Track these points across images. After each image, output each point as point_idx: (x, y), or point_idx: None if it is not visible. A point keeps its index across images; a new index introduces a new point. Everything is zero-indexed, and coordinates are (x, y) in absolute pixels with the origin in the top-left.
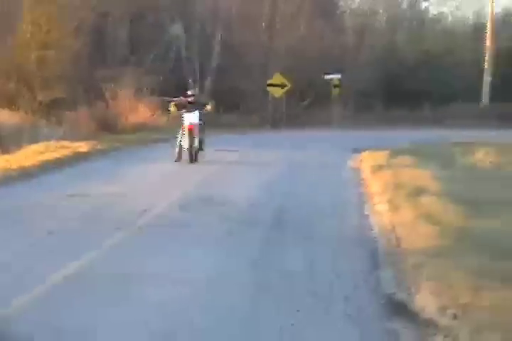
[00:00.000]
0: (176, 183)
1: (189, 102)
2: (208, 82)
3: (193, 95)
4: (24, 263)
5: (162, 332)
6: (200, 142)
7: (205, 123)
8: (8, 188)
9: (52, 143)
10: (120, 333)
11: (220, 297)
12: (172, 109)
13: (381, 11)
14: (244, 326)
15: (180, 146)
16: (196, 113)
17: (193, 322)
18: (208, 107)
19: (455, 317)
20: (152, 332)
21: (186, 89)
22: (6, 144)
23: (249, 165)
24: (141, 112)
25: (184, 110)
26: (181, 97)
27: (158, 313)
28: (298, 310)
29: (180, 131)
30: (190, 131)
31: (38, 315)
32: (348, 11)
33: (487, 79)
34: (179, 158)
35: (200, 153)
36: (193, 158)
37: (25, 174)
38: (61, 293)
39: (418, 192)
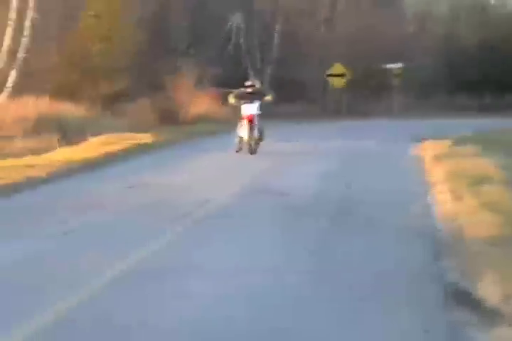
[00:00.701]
0: (237, 174)
1: (248, 93)
2: (267, 73)
3: (252, 86)
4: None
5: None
6: (260, 132)
7: (264, 113)
8: (71, 180)
9: (115, 135)
10: None
11: (281, 284)
12: (231, 100)
13: None
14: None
15: (240, 137)
16: (255, 103)
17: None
18: (268, 98)
19: None
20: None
21: (246, 80)
22: (70, 136)
23: (309, 156)
24: (203, 103)
25: (243, 101)
26: (240, 89)
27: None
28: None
29: (240, 122)
30: (250, 121)
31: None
32: None
33: None
34: (239, 149)
35: (261, 143)
36: (253, 149)
37: (89, 166)
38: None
39: (481, 180)
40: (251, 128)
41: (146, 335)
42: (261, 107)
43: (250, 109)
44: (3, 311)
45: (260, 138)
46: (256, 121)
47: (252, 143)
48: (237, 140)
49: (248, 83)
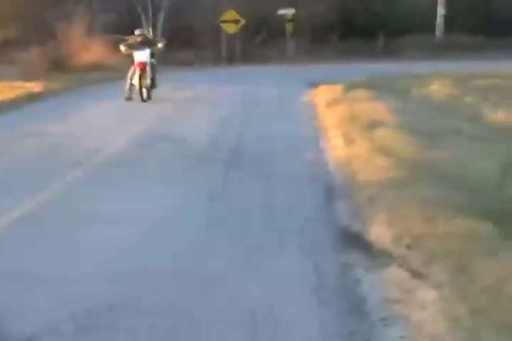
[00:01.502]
0: (130, 122)
1: (138, 42)
2: (160, 20)
3: (141, 35)
4: None
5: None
6: (152, 80)
7: (159, 60)
8: None
9: (4, 84)
10: None
11: (175, 231)
12: (121, 48)
13: None
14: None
15: (131, 85)
16: (146, 51)
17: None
18: (159, 45)
19: (409, 247)
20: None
21: (139, 27)
22: None
23: (204, 102)
24: (95, 51)
25: (134, 49)
26: (131, 37)
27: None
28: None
29: (131, 70)
30: (141, 69)
31: None
32: None
33: (441, 10)
34: (129, 97)
35: (153, 91)
36: (145, 97)
37: None
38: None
39: (373, 125)
40: (142, 76)
41: None
42: (152, 55)
43: (141, 56)
44: None
45: (152, 86)
46: (147, 69)
47: (144, 90)
48: (126, 88)
49: (137, 32)
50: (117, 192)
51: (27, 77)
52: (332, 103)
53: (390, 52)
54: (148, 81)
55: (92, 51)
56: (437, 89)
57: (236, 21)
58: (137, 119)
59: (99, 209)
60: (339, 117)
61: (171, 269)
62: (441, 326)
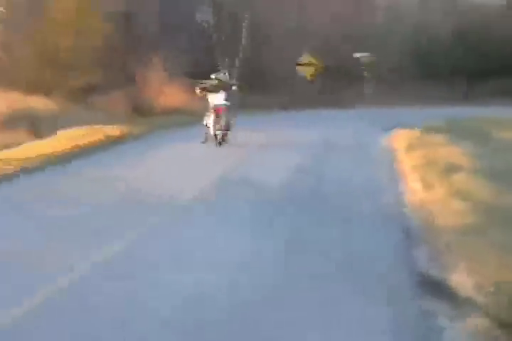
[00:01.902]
0: (207, 166)
1: (214, 85)
2: (237, 64)
3: (216, 79)
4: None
5: None
6: (227, 124)
7: (235, 104)
8: (41, 173)
9: (86, 128)
10: None
11: (252, 277)
12: (197, 91)
13: None
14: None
15: (207, 128)
16: (222, 94)
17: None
18: (234, 89)
19: (492, 294)
20: None
21: (216, 71)
22: (41, 130)
23: (280, 146)
24: (174, 95)
25: (209, 92)
26: (206, 81)
27: None
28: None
29: (207, 113)
30: (216, 112)
31: None
32: None
33: None
34: (206, 140)
35: (229, 134)
36: (220, 140)
37: (60, 158)
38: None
39: (451, 169)
40: (217, 120)
41: None
42: (228, 98)
43: (216, 99)
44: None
45: (227, 130)
46: (222, 112)
47: (219, 134)
48: (205, 131)
49: (213, 76)
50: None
51: (108, 121)
52: (410, 147)
53: (469, 97)
54: (222, 124)
55: (171, 95)
56: None
57: (312, 65)
58: (214, 163)
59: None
60: (417, 161)
61: None
62: None
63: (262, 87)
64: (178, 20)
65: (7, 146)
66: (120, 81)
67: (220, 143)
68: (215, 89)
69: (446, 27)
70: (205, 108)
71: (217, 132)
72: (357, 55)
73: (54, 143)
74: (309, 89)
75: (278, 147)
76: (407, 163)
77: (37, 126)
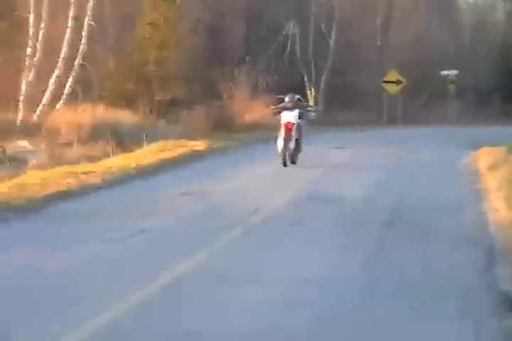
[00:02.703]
0: (282, 183)
1: (289, 107)
2: (322, 80)
3: (291, 101)
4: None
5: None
6: (298, 143)
7: (321, 120)
8: (126, 186)
9: (170, 142)
10: None
11: (335, 290)
12: (272, 107)
13: (500, 5)
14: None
15: (277, 147)
16: (295, 112)
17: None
18: (312, 114)
19: None
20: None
21: (301, 88)
22: (126, 143)
23: (362, 164)
24: (257, 111)
25: (283, 110)
26: (281, 104)
27: None
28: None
29: (279, 131)
30: (287, 130)
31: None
32: (465, 6)
33: None
34: (283, 159)
35: (299, 154)
36: (288, 160)
37: (144, 172)
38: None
39: None
40: (287, 138)
41: None
42: (301, 117)
43: (289, 116)
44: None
45: (297, 149)
46: (294, 131)
47: (288, 153)
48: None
49: (287, 99)
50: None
51: (192, 136)
52: (494, 166)
53: None
54: (292, 144)
55: (255, 111)
56: None
57: (398, 82)
58: (290, 181)
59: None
60: (501, 180)
61: None
62: None
63: (347, 103)
64: (265, 36)
65: (93, 158)
66: (205, 96)
67: (285, 164)
68: (289, 108)
69: None
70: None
71: (287, 152)
72: (445, 72)
73: (139, 156)
74: (395, 107)
75: (356, 167)
76: (490, 181)
77: (121, 139)
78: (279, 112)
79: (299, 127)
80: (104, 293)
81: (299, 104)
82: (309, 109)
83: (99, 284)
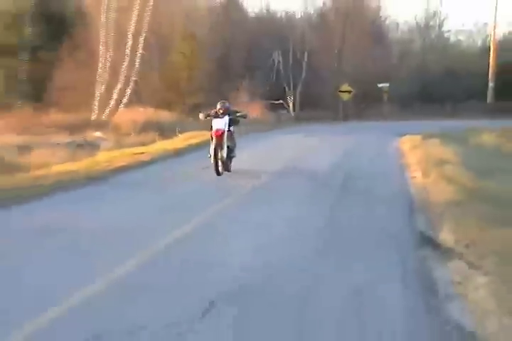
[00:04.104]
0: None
1: (220, 113)
2: (298, 90)
3: (222, 108)
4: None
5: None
6: (231, 150)
7: (296, 117)
8: (166, 162)
9: (195, 133)
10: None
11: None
12: (200, 116)
13: (417, 39)
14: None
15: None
16: (225, 118)
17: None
18: (241, 115)
19: (467, 246)
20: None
21: (284, 95)
22: (166, 133)
23: (324, 147)
24: (254, 110)
25: (213, 117)
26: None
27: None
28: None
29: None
30: (218, 138)
31: None
32: (395, 40)
33: (491, 84)
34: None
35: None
36: (221, 169)
37: (177, 153)
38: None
39: (441, 162)
40: (218, 146)
41: None
42: (232, 123)
43: (219, 124)
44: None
45: (229, 156)
46: (225, 138)
47: (220, 161)
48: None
49: (219, 105)
50: None
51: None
52: (413, 147)
53: (455, 114)
54: (224, 152)
55: (252, 110)
56: (487, 138)
57: (349, 91)
58: (281, 156)
59: None
60: (418, 157)
61: None
62: (491, 302)
63: (314, 105)
64: (259, 60)
65: (144, 144)
66: (217, 101)
67: (218, 172)
68: (220, 115)
69: (439, 65)
70: (275, 119)
71: (219, 161)
72: (380, 85)
73: (170, 144)
74: (346, 108)
75: (322, 145)
76: (411, 157)
77: (162, 131)
78: (209, 117)
79: (230, 134)
80: (160, 225)
81: (230, 111)
82: (239, 115)
83: (156, 219)
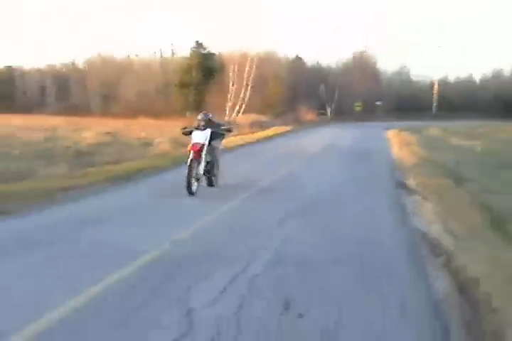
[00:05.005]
0: (328, 138)
1: (202, 125)
2: (332, 105)
3: (204, 119)
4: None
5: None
6: (211, 166)
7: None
8: (263, 143)
9: (279, 127)
10: None
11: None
12: (182, 130)
13: (396, 78)
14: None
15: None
16: (207, 131)
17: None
18: (226, 128)
19: (422, 187)
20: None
21: (323, 109)
22: (263, 127)
23: (341, 137)
24: (310, 115)
25: (194, 129)
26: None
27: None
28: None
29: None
30: (195, 153)
31: None
32: (384, 77)
33: (434, 104)
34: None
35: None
36: (193, 189)
37: (270, 138)
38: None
39: (409, 143)
40: (194, 162)
41: None
42: (214, 136)
43: (199, 137)
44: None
45: (211, 172)
46: (204, 153)
47: (194, 179)
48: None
49: (199, 117)
50: None
51: (286, 124)
52: (394, 136)
53: (416, 118)
54: (201, 168)
55: (310, 116)
56: (433, 132)
57: (360, 106)
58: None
59: None
60: (397, 141)
61: None
62: (431, 214)
63: (340, 113)
64: (312, 89)
65: (252, 133)
66: (289, 111)
67: (190, 191)
68: (201, 127)
69: (408, 92)
70: (320, 120)
71: (191, 177)
72: (377, 102)
73: (266, 132)
74: (357, 115)
75: (340, 136)
76: (393, 141)
77: (261, 126)
78: (190, 133)
79: (211, 148)
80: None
81: (213, 124)
82: (223, 128)
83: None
